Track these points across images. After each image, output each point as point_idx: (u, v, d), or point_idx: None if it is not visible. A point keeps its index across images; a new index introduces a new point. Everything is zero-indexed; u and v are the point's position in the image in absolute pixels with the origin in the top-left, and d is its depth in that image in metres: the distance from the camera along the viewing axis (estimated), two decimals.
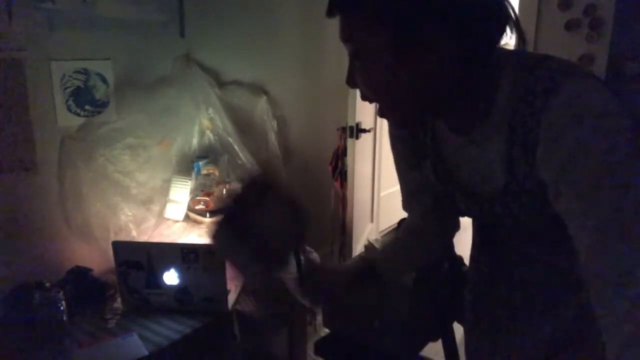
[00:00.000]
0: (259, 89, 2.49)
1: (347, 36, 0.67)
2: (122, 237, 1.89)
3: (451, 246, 1.19)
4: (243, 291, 1.80)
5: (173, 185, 2.08)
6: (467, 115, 0.71)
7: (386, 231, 3.15)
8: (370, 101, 0.71)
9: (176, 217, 2.05)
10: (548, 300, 0.84)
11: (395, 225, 1.47)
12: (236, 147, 2.26)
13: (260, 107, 2.46)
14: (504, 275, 0.88)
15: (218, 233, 0.72)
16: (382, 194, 3.19)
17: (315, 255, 2.06)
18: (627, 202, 0.54)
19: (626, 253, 0.53)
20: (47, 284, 1.58)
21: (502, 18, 0.66)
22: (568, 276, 0.80)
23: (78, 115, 1.87)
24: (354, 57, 0.68)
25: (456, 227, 0.97)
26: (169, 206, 2.07)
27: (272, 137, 2.49)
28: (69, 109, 1.84)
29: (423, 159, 0.84)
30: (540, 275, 0.83)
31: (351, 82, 0.71)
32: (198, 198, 2.08)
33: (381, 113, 0.72)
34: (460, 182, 0.79)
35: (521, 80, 0.66)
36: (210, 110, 2.21)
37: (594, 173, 0.57)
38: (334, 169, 2.74)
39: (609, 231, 0.55)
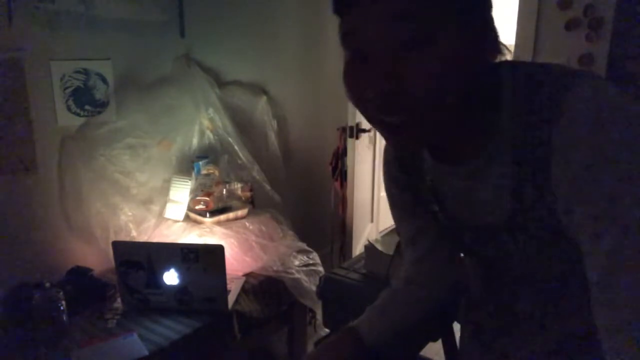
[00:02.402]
0: (259, 89, 2.50)
1: (407, 11, 0.51)
2: (122, 237, 1.89)
3: None
4: (243, 291, 1.80)
5: (173, 185, 2.08)
6: (469, 140, 0.62)
7: (386, 231, 3.15)
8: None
9: (176, 217, 2.05)
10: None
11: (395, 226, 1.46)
12: (236, 147, 2.26)
13: (260, 107, 2.46)
14: (506, 309, 0.79)
15: None
16: (382, 194, 3.19)
17: (314, 255, 2.06)
18: None
19: None
20: (47, 284, 1.58)
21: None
22: (568, 309, 0.72)
23: (78, 115, 1.87)
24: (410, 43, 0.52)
25: (452, 275, 0.87)
26: (169, 206, 2.07)
27: (272, 137, 2.49)
28: (69, 109, 1.84)
29: (422, 204, 0.76)
30: (542, 308, 0.74)
31: (396, 84, 0.53)
32: (198, 198, 2.08)
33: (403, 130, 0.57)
34: (462, 217, 0.71)
35: (522, 92, 0.57)
36: (210, 110, 2.21)
37: (613, 183, 0.49)
38: (334, 169, 2.74)
39: (623, 258, 0.49)
